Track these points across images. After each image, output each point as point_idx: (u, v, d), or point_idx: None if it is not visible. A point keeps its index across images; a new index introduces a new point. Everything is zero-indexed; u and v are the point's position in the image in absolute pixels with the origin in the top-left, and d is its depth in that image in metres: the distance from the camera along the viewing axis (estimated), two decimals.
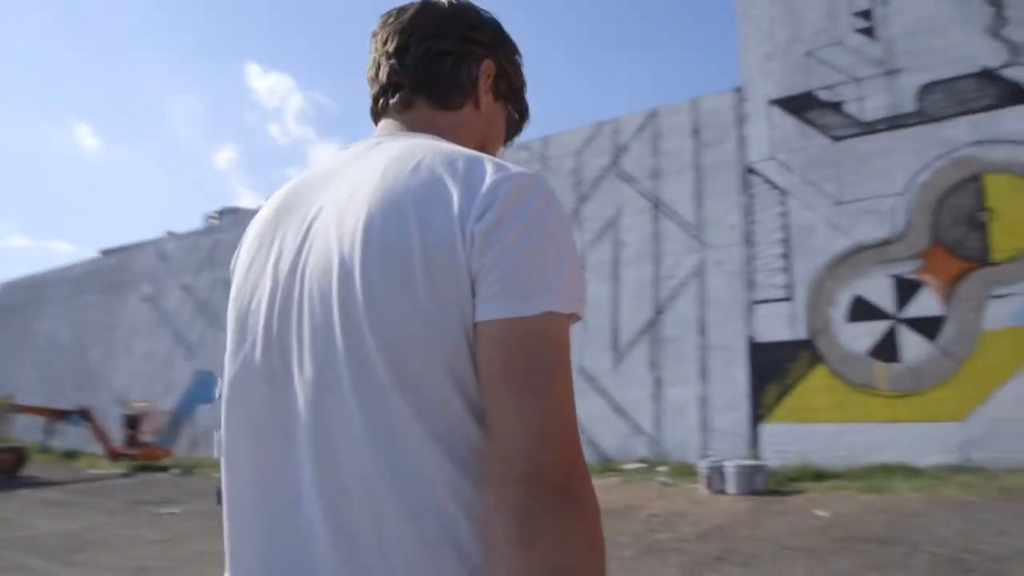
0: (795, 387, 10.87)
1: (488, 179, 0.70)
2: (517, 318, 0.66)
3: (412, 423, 0.68)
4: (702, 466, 9.46)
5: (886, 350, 10.31)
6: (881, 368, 10.27)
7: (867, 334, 10.51)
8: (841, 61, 11.52)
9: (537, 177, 0.73)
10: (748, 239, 11.79)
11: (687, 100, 13.03)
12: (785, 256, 11.38)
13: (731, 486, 9.02)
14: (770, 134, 11.95)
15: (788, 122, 11.79)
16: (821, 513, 7.66)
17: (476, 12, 0.92)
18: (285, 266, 0.77)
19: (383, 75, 0.88)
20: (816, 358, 10.79)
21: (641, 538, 6.91)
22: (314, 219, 0.77)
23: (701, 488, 9.34)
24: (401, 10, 0.90)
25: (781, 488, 9.25)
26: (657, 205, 12.79)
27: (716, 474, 9.20)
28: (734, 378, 11.31)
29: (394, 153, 0.76)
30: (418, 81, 0.86)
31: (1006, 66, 10.27)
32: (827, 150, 11.33)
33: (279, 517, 0.72)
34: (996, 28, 10.46)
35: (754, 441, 10.96)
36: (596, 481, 0.77)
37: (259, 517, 0.74)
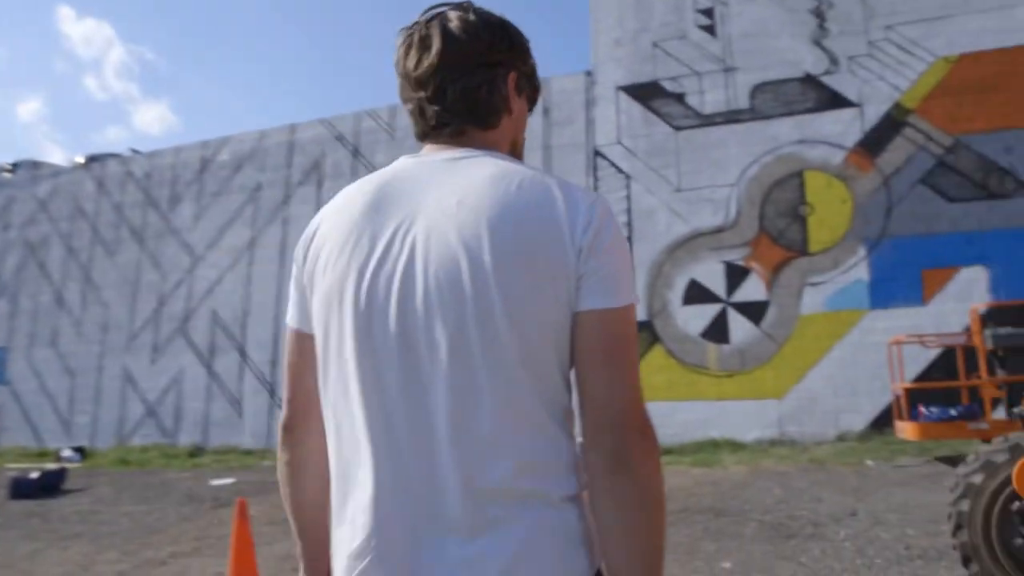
0: None
1: (583, 201, 0.90)
2: (610, 308, 0.88)
3: (528, 390, 0.86)
4: None
5: (717, 332, 10.94)
6: (712, 349, 10.88)
7: (700, 316, 11.09)
8: (685, 54, 11.99)
9: (606, 199, 0.95)
10: None
11: (539, 79, 13.01)
12: (628, 239, 11.72)
13: None
14: (617, 119, 12.22)
15: (634, 108, 12.12)
16: None
17: (489, 30, 1.01)
18: (402, 256, 0.88)
19: (431, 117, 1.00)
20: (655, 338, 11.23)
21: None
22: (429, 219, 0.89)
23: None
24: (424, 46, 0.98)
25: None
26: None
27: None
28: None
29: (489, 173, 0.92)
30: (464, 117, 0.99)
31: (826, 73, 11.18)
32: (669, 138, 11.78)
33: (407, 452, 0.86)
34: (819, 38, 11.34)
35: None
36: None
37: (388, 451, 0.86)
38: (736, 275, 11.01)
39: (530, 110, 1.14)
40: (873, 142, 10.80)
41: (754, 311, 10.79)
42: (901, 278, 10.23)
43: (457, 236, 0.86)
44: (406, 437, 0.85)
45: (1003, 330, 8.03)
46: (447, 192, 0.90)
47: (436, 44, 0.97)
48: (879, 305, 10.24)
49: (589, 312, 0.87)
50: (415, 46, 0.99)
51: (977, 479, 3.76)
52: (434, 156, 0.97)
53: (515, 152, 1.07)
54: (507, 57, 1.03)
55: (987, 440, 8.44)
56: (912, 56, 10.83)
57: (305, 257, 0.98)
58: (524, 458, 0.85)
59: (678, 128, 11.75)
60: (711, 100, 11.63)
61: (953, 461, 7.73)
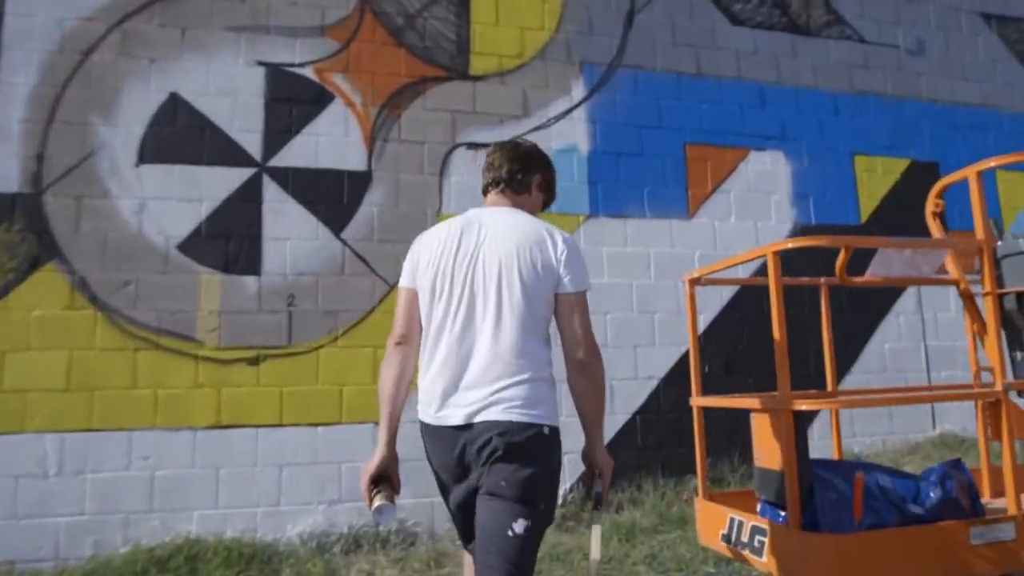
0: None
1: (560, 238, 1.94)
2: (576, 292, 1.92)
3: (529, 324, 1.87)
4: None
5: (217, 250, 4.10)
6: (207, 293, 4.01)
7: (188, 212, 4.13)
8: None
9: (570, 236, 1.99)
10: None
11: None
12: None
13: None
14: None
15: None
16: None
17: (537, 150, 2.17)
18: (477, 257, 1.92)
19: (494, 176, 2.10)
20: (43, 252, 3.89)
21: None
22: (492, 240, 1.93)
23: None
24: (504, 145, 2.15)
25: None
26: None
27: None
28: None
29: (519, 219, 1.98)
30: (508, 183, 2.08)
31: None
32: None
33: (467, 344, 1.88)
34: None
35: None
36: None
37: (459, 344, 1.89)
38: (305, 101, 4.36)
39: (545, 206, 2.19)
40: None
41: (332, 199, 4.28)
42: (652, 155, 4.83)
43: (505, 250, 1.90)
44: (470, 339, 1.88)
45: None
46: (500, 228, 1.95)
47: (510, 145, 2.14)
48: (610, 208, 4.69)
49: (564, 293, 1.90)
50: (502, 148, 2.13)
51: None
52: (492, 208, 2.06)
53: (535, 214, 2.12)
54: (540, 165, 2.14)
55: None
56: None
57: (418, 255, 2.01)
58: (525, 355, 1.85)
59: None
60: None
61: None
